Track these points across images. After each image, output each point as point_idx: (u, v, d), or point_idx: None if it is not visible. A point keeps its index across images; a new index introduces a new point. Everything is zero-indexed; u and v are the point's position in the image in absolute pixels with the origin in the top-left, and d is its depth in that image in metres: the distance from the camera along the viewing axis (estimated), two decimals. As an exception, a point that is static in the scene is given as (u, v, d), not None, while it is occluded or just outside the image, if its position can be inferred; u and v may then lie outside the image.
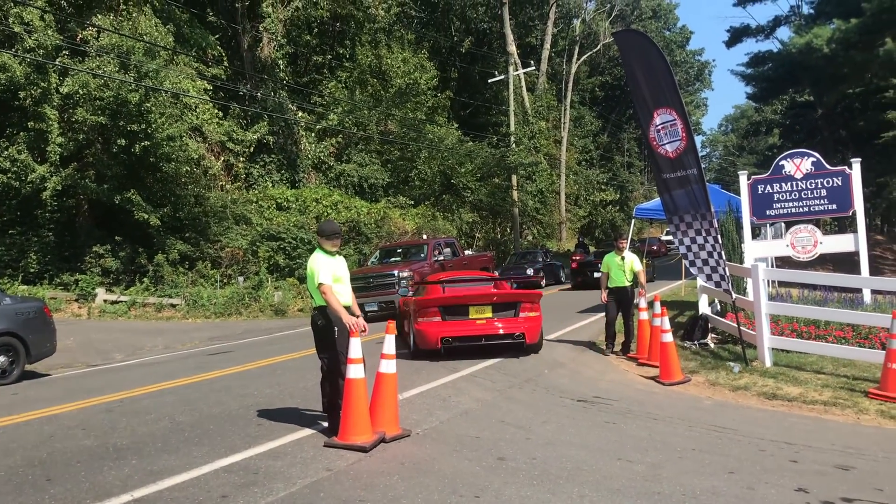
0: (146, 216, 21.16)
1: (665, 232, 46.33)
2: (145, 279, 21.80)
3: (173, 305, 21.41)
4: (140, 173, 22.34)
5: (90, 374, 12.30)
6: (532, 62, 46.82)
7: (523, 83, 46.71)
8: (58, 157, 20.26)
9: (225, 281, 23.22)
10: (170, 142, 21.19)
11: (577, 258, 33.38)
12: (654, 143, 11.49)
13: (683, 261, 12.43)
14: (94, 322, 19.52)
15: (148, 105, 20.38)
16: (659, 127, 11.41)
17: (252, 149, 28.55)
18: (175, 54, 23.25)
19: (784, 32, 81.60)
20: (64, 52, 20.47)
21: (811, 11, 45.22)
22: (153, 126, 20.49)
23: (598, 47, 57.42)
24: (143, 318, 20.54)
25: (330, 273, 6.66)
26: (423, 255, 19.89)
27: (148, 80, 20.50)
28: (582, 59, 57.00)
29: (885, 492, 5.58)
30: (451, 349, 10.94)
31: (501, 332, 10.95)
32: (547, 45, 51.47)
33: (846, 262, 17.98)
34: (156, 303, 21.26)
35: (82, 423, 7.82)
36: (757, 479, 5.82)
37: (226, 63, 28.51)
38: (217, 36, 28.81)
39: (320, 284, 6.59)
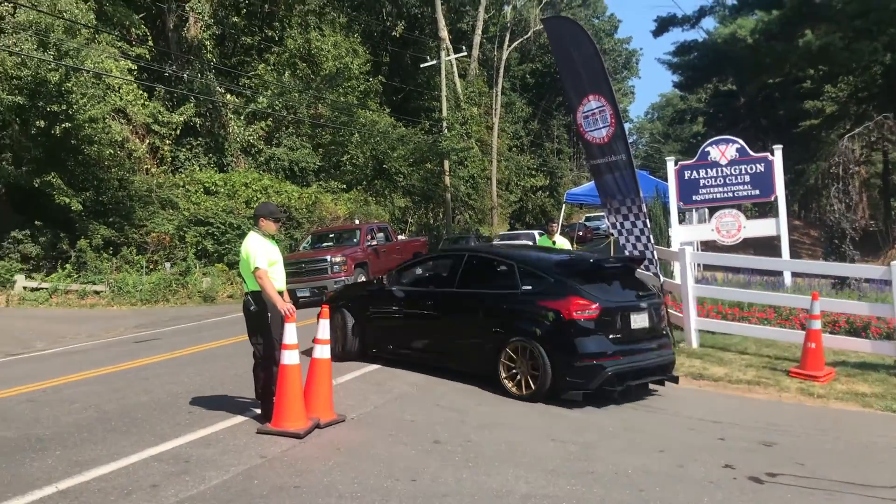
0: (67, 200, 20.47)
1: (585, 218, 47.05)
2: (67, 265, 21.11)
3: (97, 292, 20.79)
4: (61, 156, 21.57)
5: (9, 363, 11.85)
6: (464, 48, 46.85)
7: (455, 69, 46.65)
8: (-28, 138, 19.44)
9: (151, 267, 22.65)
10: (92, 123, 20.50)
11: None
12: (581, 128, 11.62)
13: (612, 244, 12.65)
14: (13, 310, 18.85)
15: (69, 85, 19.65)
16: (588, 113, 11.54)
17: (178, 131, 27.82)
18: (97, 33, 22.45)
19: (709, 23, 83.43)
20: (-23, 28, 19.59)
21: (735, 2, 46.35)
22: (74, 107, 19.78)
23: (529, 34, 57.66)
24: (66, 305, 19.91)
25: (265, 257, 6.53)
26: (355, 241, 19.75)
27: (68, 59, 19.77)
28: (513, 45, 57.19)
29: (806, 466, 5.81)
30: None
31: None
32: (478, 31, 51.47)
33: (766, 247, 18.57)
34: (79, 290, 20.62)
35: (2, 413, 7.53)
36: (686, 457, 5.98)
37: (150, 43, 27.69)
38: (141, 15, 27.89)
39: (256, 269, 6.46)
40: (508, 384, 7.95)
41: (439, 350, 9.02)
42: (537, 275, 8.24)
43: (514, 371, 7.96)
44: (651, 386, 8.40)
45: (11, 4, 20.03)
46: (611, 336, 7.73)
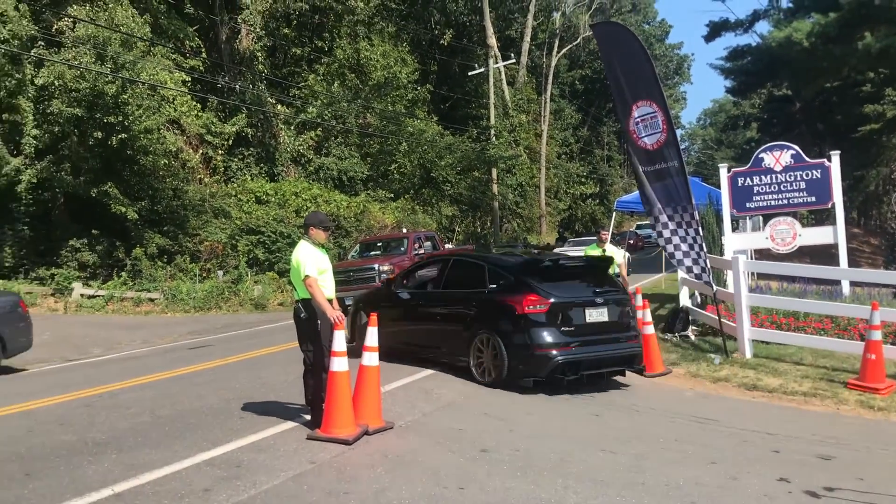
0: (123, 209, 20.91)
1: (636, 226, 46.37)
2: (123, 273, 21.53)
3: (152, 300, 21.18)
4: (117, 166, 22.06)
5: (67, 368, 12.15)
6: (512, 55, 46.74)
7: (503, 76, 46.60)
8: (33, 149, 19.98)
9: (204, 275, 23.02)
10: (147, 134, 20.94)
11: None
12: (634, 135, 11.49)
13: (664, 253, 12.47)
14: (71, 316, 19.29)
15: (125, 97, 20.10)
16: (638, 119, 11.41)
17: (231, 142, 28.32)
18: (152, 45, 22.93)
19: (763, 27, 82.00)
20: (39, 42, 20.15)
21: (790, 5, 45.45)
22: (130, 118, 20.22)
23: (578, 41, 57.46)
24: (121, 312, 20.32)
25: (315, 266, 6.62)
26: (403, 249, 19.78)
27: (125, 72, 20.22)
28: (562, 52, 57.01)
29: (865, 480, 5.63)
30: None
31: None
32: (527, 38, 51.42)
33: (823, 255, 18.11)
34: (134, 297, 21.01)
35: (60, 417, 7.72)
36: (739, 469, 5.85)
37: (204, 55, 28.24)
38: (195, 27, 28.50)
39: (306, 277, 6.55)
40: (476, 371, 8.97)
41: (429, 344, 9.98)
42: (503, 275, 9.23)
43: (481, 360, 8.96)
44: (704, 398, 8.24)
45: (71, 20, 20.61)
46: (563, 329, 8.51)
